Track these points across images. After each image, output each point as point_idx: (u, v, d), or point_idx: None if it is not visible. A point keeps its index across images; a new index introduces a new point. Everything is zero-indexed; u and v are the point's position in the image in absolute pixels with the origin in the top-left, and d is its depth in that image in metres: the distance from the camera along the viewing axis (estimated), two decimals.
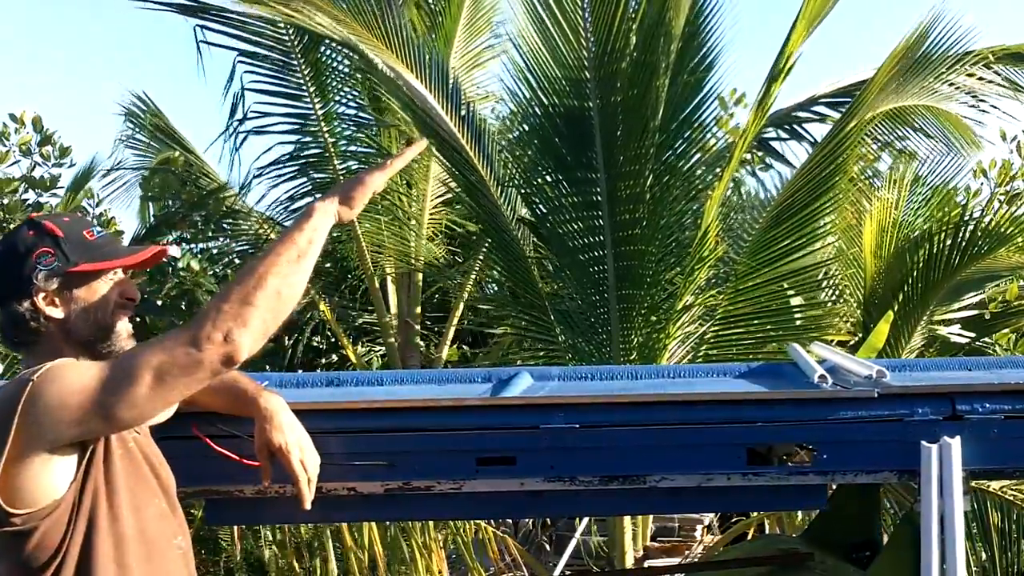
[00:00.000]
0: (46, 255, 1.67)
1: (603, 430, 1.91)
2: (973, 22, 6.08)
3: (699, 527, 7.99)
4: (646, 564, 6.64)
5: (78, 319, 1.70)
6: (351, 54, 6.68)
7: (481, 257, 7.43)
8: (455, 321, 7.75)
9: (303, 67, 6.84)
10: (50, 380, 1.56)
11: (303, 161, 7.16)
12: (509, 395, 2.17)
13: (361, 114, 7.26)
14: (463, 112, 5.61)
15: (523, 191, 5.67)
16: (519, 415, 1.94)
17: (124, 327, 1.76)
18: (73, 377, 1.57)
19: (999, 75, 6.65)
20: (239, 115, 7.00)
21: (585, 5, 5.28)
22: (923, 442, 1.88)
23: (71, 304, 1.69)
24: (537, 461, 1.91)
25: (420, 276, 7.62)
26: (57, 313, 1.69)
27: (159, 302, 8.20)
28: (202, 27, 6.65)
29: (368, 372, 6.14)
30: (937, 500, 1.85)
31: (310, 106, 6.92)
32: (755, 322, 5.57)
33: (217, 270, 8.44)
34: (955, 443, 1.87)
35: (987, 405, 1.90)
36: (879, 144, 6.92)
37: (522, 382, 2.29)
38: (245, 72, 6.92)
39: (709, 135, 5.68)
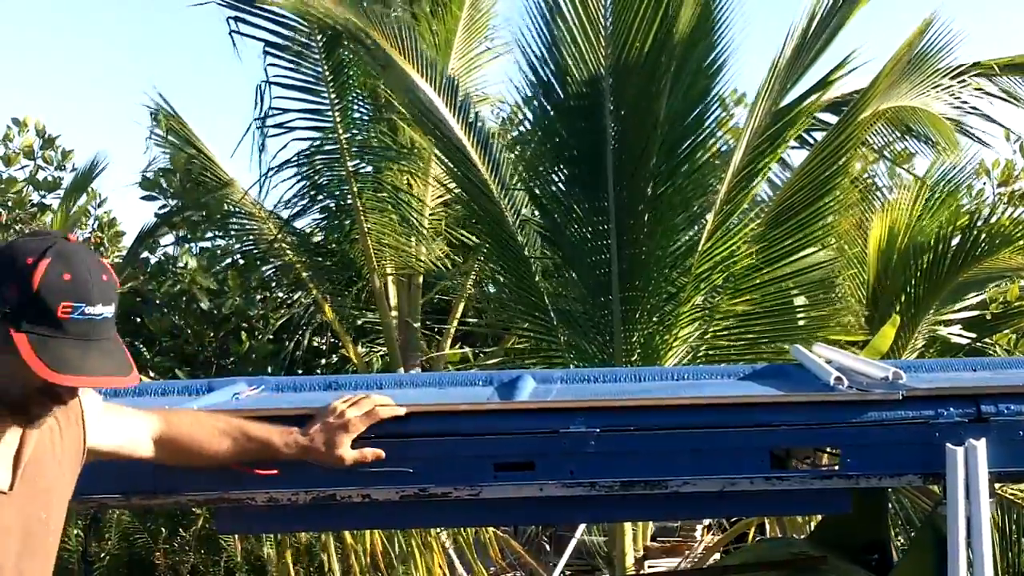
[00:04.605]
0: (6, 290, 1.44)
1: (624, 434, 1.86)
2: (972, 23, 6.08)
3: (699, 527, 7.98)
4: (647, 565, 6.62)
5: None
6: (361, 51, 6.69)
7: (481, 258, 7.40)
8: (456, 322, 7.72)
9: (323, 65, 6.84)
10: None
11: (317, 156, 7.15)
12: (524, 399, 2.13)
13: (365, 116, 7.23)
14: (470, 118, 5.60)
15: (530, 193, 5.64)
16: (538, 419, 1.90)
17: (45, 418, 1.53)
18: None
19: (998, 87, 6.67)
20: (259, 112, 7.00)
21: (608, 5, 5.25)
22: (948, 445, 1.84)
23: None
24: (557, 466, 1.87)
25: (421, 276, 7.59)
26: None
27: (157, 300, 8.17)
28: (232, 8, 6.65)
29: (367, 376, 6.09)
30: (963, 503, 1.82)
31: (327, 102, 6.92)
32: (756, 323, 5.55)
33: (217, 268, 8.39)
34: (980, 445, 1.84)
35: (1012, 407, 1.87)
36: (881, 145, 6.90)
37: (526, 385, 2.25)
38: (268, 64, 6.94)
39: (712, 138, 5.64)
